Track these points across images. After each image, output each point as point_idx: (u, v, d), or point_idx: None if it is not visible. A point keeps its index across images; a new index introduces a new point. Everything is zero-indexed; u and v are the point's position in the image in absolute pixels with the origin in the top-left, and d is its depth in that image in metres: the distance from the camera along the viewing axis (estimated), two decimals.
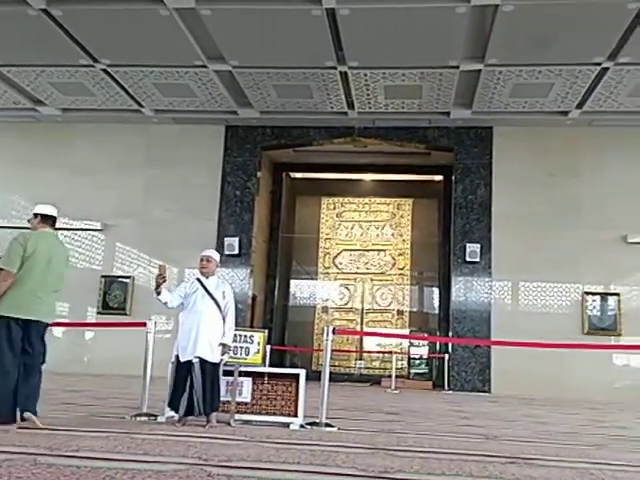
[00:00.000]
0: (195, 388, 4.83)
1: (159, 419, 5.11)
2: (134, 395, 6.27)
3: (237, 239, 12.66)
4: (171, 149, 13.17)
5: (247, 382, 5.27)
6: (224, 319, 5.06)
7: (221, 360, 5.01)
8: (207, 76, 10.78)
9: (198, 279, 5.22)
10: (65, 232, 13.08)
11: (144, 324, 5.58)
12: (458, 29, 8.87)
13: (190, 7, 8.51)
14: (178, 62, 10.35)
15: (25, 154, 13.35)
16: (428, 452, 4.00)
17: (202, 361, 4.86)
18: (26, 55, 10.32)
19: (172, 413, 5.18)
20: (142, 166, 13.14)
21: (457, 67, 10.09)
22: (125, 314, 12.33)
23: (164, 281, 5.09)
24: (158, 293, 5.14)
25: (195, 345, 4.89)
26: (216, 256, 5.36)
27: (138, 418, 5.14)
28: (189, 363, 4.86)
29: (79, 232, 13.06)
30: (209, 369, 4.89)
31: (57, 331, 12.44)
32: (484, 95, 11.15)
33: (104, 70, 10.72)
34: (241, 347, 5.21)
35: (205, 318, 4.98)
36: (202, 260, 5.27)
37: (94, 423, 4.77)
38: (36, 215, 4.74)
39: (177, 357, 4.95)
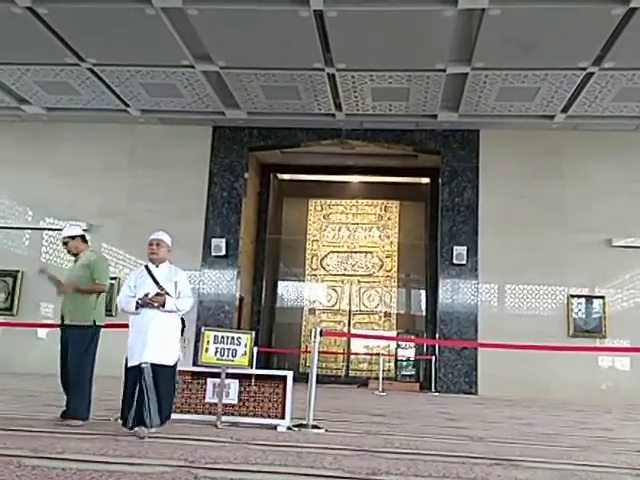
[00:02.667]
0: (147, 396, 4.31)
1: None
2: (118, 397, 6.21)
3: (224, 240, 12.62)
4: (157, 149, 13.10)
5: (234, 384, 5.25)
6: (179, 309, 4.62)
7: (178, 361, 4.59)
8: (194, 76, 10.73)
9: (147, 267, 4.67)
10: (50, 232, 12.99)
11: (127, 325, 5.52)
12: (445, 32, 8.90)
13: (177, 7, 8.47)
14: (165, 62, 10.29)
15: (9, 154, 13.21)
16: (415, 454, 4.01)
17: (154, 366, 4.39)
18: (11, 53, 10.21)
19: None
20: (128, 166, 13.06)
21: (444, 70, 10.13)
22: (111, 315, 12.23)
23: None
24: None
25: (144, 348, 4.39)
26: (167, 239, 4.77)
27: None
28: (138, 369, 4.37)
29: None
30: (162, 374, 4.40)
31: (41, 332, 12.36)
32: (471, 98, 11.21)
33: (90, 69, 10.64)
34: (228, 349, 5.19)
35: (157, 319, 4.47)
36: (151, 244, 4.67)
37: (79, 425, 4.71)
38: (76, 237, 5.21)
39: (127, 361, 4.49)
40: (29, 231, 13.07)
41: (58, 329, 5.18)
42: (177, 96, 11.61)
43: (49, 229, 13.00)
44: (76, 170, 12.99)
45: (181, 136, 13.09)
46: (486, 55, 9.57)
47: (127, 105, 12.15)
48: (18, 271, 12.68)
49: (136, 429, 4.24)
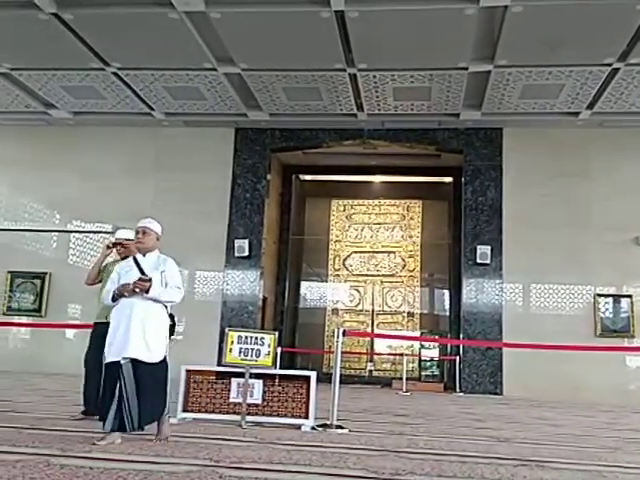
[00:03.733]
0: (126, 397, 3.89)
1: (171, 420, 5.12)
2: None
3: (247, 241, 12.69)
4: (181, 152, 13.23)
5: (258, 384, 5.27)
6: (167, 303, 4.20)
7: (166, 358, 4.16)
8: (217, 79, 10.82)
9: (134, 257, 4.32)
10: (77, 235, 13.20)
11: None
12: (467, 30, 8.85)
13: (200, 10, 8.55)
14: (188, 65, 10.40)
15: (37, 157, 13.45)
16: (439, 454, 3.99)
17: (135, 363, 3.97)
18: (37, 59, 10.41)
19: (184, 415, 5.20)
20: (153, 169, 13.21)
21: (466, 68, 10.06)
22: None
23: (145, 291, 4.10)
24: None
25: (125, 343, 3.97)
26: (156, 227, 4.35)
27: None
28: (117, 365, 3.96)
29: (91, 235, 13.14)
30: (145, 372, 3.98)
31: (69, 333, 12.57)
32: (494, 96, 11.12)
33: (114, 73, 10.79)
34: (252, 349, 5.22)
35: (138, 308, 4.04)
36: (137, 233, 4.28)
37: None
38: (132, 241, 5.04)
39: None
40: (57, 233, 13.30)
41: (88, 329, 5.30)
42: (200, 99, 11.71)
43: (76, 231, 13.22)
44: (102, 173, 13.17)
45: (204, 138, 13.20)
46: (509, 52, 9.48)
47: (151, 108, 12.30)
48: (46, 273, 12.91)
49: (99, 440, 3.79)
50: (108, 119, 12.90)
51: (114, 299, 4.12)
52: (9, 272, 12.92)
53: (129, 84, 11.21)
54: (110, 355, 3.99)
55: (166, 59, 10.22)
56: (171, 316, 4.31)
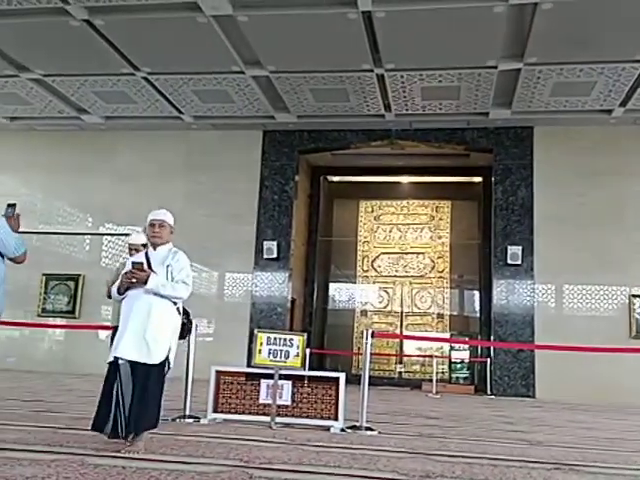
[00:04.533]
0: (122, 400, 3.61)
1: (202, 421, 5.18)
2: (175, 397, 6.36)
3: (275, 243, 12.74)
4: (210, 154, 13.35)
5: (287, 385, 5.29)
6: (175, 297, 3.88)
7: (166, 361, 3.77)
8: (245, 82, 10.89)
9: (146, 251, 4.09)
10: (109, 237, 13.43)
11: None
12: (496, 28, 8.75)
13: (227, 14, 8.62)
14: (216, 69, 10.49)
15: (70, 162, 13.71)
16: (470, 457, 3.95)
17: (133, 364, 3.65)
18: (70, 65, 10.62)
19: (214, 415, 5.24)
20: (183, 172, 13.36)
21: (495, 67, 9.95)
22: None
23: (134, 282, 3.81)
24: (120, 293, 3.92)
25: (119, 341, 3.70)
26: (170, 219, 4.15)
27: (181, 420, 5.21)
28: (116, 365, 3.68)
29: (123, 237, 13.34)
30: (141, 374, 3.63)
31: (102, 334, 12.77)
32: (524, 95, 10.97)
33: (145, 78, 10.94)
34: (281, 350, 5.24)
35: (140, 304, 3.75)
36: (152, 225, 4.03)
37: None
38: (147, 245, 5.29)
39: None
40: (89, 236, 13.55)
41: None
42: (228, 102, 11.81)
43: (108, 234, 13.45)
44: (133, 176, 13.37)
45: (233, 141, 13.30)
46: (539, 50, 9.35)
47: (181, 112, 12.44)
48: (80, 275, 13.15)
49: (140, 436, 3.60)
50: (139, 123, 13.09)
51: (120, 292, 3.87)
52: (44, 274, 13.19)
53: (159, 88, 11.36)
54: (110, 354, 3.73)
55: (195, 63, 10.33)
56: (186, 313, 4.02)
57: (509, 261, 12.11)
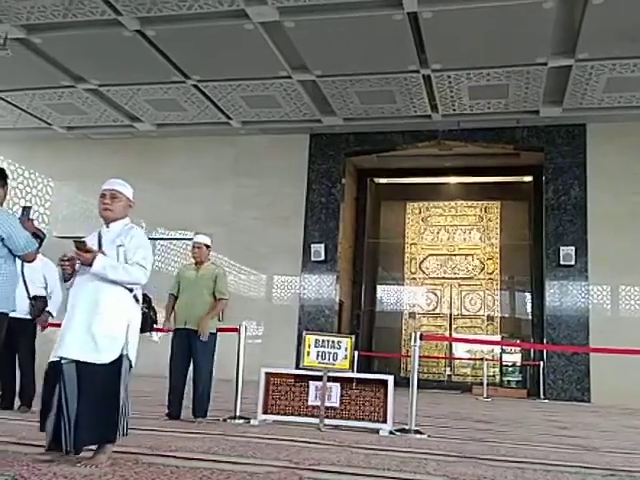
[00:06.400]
0: (65, 407, 2.96)
1: (252, 422, 5.25)
2: (226, 398, 6.47)
3: (323, 245, 12.80)
4: (258, 159, 13.52)
5: (336, 387, 5.31)
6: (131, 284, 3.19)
7: (122, 359, 3.12)
8: (291, 86, 11.00)
9: (99, 231, 3.39)
10: (162, 242, 13.76)
11: (236, 329, 5.75)
12: (545, 25, 8.58)
13: (274, 20, 8.73)
14: (263, 74, 10.63)
15: (124, 168, 14.01)
16: (522, 462, 3.88)
17: (78, 364, 3.01)
18: (123, 74, 10.95)
19: (264, 416, 5.31)
20: (232, 176, 13.57)
21: (545, 64, 9.75)
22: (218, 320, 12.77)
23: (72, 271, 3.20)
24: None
25: (63, 338, 3.06)
26: (127, 191, 3.58)
27: (232, 421, 5.30)
28: (58, 365, 3.03)
29: (174, 241, 13.65)
30: (87, 376, 3.00)
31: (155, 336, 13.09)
32: (575, 91, 10.70)
33: (194, 85, 11.18)
34: (329, 352, 5.26)
35: (86, 290, 3.13)
36: (103, 196, 3.39)
37: (190, 425, 4.96)
38: (209, 247, 5.64)
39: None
40: None
41: (170, 333, 5.54)
42: (275, 106, 11.94)
43: (161, 239, 13.78)
44: (184, 182, 13.66)
45: (280, 145, 13.43)
46: (591, 45, 9.12)
47: (229, 118, 12.65)
48: None
49: (104, 447, 3.03)
50: (189, 130, 13.38)
51: (66, 279, 3.25)
52: None
53: (208, 95, 11.58)
54: (52, 353, 3.07)
55: (243, 69, 10.50)
56: (146, 300, 3.46)
57: (562, 262, 11.82)
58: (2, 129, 13.89)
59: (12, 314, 3.65)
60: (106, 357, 3.05)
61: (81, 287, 3.15)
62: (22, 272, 5.12)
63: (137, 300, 3.30)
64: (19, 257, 3.64)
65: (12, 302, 3.62)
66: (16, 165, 14.53)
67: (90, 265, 3.07)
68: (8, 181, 3.74)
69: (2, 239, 3.46)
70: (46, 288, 5.49)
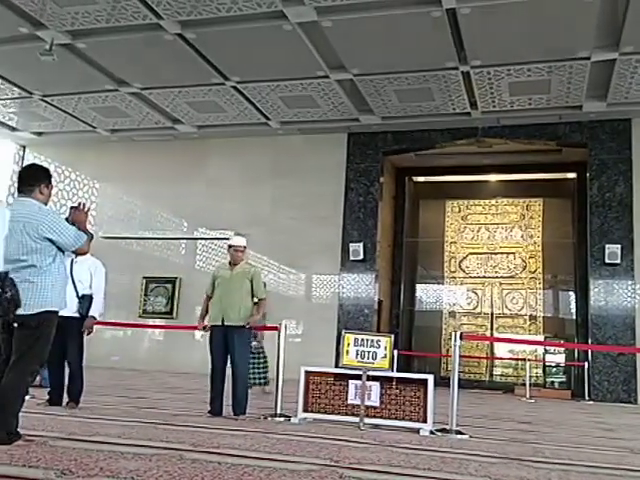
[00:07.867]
0: None
1: (292, 420, 5.30)
2: (266, 396, 6.54)
3: (361, 244, 12.78)
4: (297, 159, 13.59)
5: (375, 386, 5.32)
6: None
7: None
8: (329, 86, 11.02)
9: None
10: (203, 241, 13.98)
11: (276, 328, 5.81)
12: (587, 18, 8.38)
13: (312, 20, 8.76)
14: (301, 74, 10.68)
15: (166, 170, 14.37)
16: (567, 464, 3.82)
17: None
18: (164, 77, 11.15)
19: (304, 415, 5.35)
20: (271, 176, 13.68)
21: (588, 58, 9.52)
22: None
23: None
24: None
25: None
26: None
27: (273, 418, 5.36)
28: None
29: (215, 241, 13.85)
30: None
31: (198, 334, 13.31)
32: (620, 85, 10.42)
33: (234, 87, 11.31)
34: (368, 351, 5.27)
35: None
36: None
37: (231, 422, 5.04)
38: (245, 248, 5.91)
39: None
40: (185, 241, 14.16)
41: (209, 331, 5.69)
42: (313, 106, 11.98)
43: (202, 238, 14.00)
44: (224, 182, 13.84)
45: (318, 144, 13.46)
46: (636, 38, 8.86)
47: (268, 118, 12.76)
48: (177, 278, 13.77)
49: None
50: (228, 131, 13.54)
51: None
52: (144, 277, 13.92)
53: (247, 96, 11.70)
54: None
55: (281, 70, 10.57)
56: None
57: (607, 260, 11.53)
58: (49, 132, 14.31)
59: (61, 312, 3.77)
60: None
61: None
62: (71, 271, 5.29)
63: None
64: (72, 252, 3.76)
65: (63, 301, 3.74)
66: (63, 168, 14.97)
67: None
68: (52, 181, 3.86)
69: (51, 240, 3.59)
70: (90, 287, 5.63)
